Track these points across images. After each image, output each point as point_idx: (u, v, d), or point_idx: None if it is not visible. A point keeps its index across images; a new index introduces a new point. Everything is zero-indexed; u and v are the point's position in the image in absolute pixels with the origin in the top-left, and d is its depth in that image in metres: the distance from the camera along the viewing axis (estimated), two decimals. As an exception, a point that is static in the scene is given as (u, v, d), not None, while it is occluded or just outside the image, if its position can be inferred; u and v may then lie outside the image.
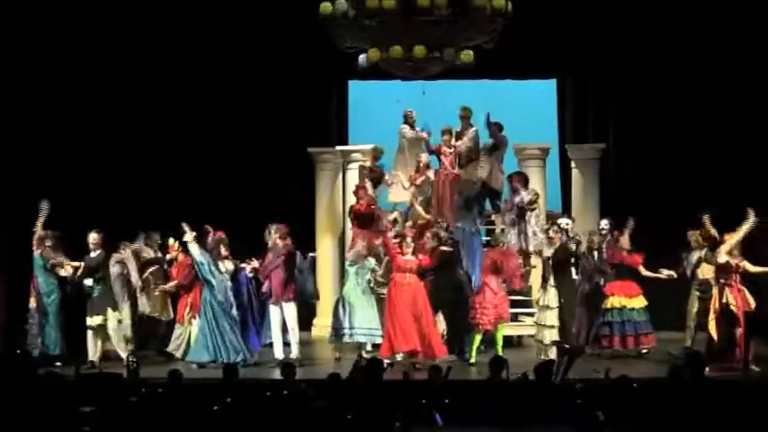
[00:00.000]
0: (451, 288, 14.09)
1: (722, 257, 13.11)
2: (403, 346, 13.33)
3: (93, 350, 13.80)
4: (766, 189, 16.26)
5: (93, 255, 13.97)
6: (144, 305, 14.55)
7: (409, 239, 13.78)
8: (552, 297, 13.95)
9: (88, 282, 13.86)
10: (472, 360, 13.71)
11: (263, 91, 16.88)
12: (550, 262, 14.00)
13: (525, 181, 15.57)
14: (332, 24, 13.08)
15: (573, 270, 14.18)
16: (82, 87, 16.49)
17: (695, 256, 14.13)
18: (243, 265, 13.96)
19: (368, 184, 15.66)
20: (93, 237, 13.96)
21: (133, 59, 16.55)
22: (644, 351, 14.34)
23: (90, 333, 13.83)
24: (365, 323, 13.96)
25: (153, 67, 16.62)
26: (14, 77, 16.08)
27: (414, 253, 13.70)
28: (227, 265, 13.77)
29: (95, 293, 13.90)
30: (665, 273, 14.27)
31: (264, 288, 14.04)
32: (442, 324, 14.30)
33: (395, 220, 14.91)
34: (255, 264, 13.92)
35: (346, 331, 14.06)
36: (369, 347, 14.11)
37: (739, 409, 9.39)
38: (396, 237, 14.17)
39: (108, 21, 16.35)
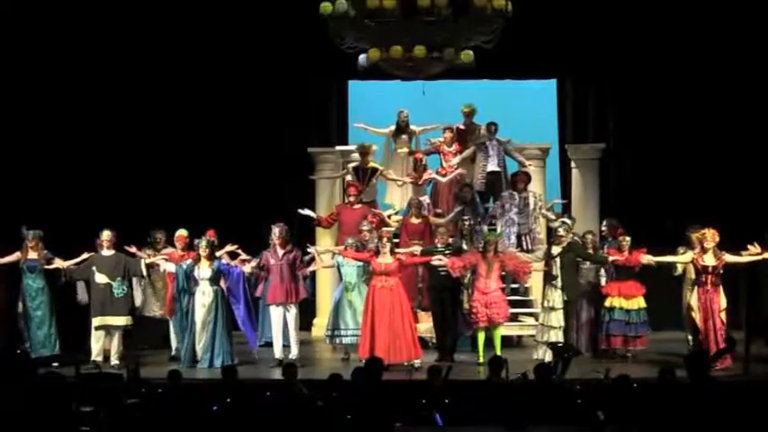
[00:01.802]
0: (449, 289, 14.14)
1: (707, 259, 13.26)
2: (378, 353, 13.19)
3: (98, 350, 13.76)
4: (765, 187, 16.34)
5: (106, 253, 13.85)
6: (156, 309, 14.60)
7: (385, 240, 13.74)
8: (557, 298, 13.92)
9: (102, 279, 13.76)
10: (480, 360, 13.72)
11: (263, 91, 16.88)
12: (558, 261, 13.97)
13: (527, 181, 15.61)
14: (332, 24, 13.08)
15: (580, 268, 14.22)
16: (81, 87, 16.47)
17: (690, 255, 14.11)
18: (235, 264, 13.92)
19: (350, 177, 15.76)
20: (107, 234, 13.83)
21: (134, 60, 16.54)
22: (633, 353, 14.29)
23: (100, 333, 13.74)
24: (359, 324, 13.93)
25: (153, 68, 16.60)
26: (13, 77, 16.09)
27: (392, 253, 13.66)
28: (203, 271, 13.71)
29: (120, 294, 13.82)
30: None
31: (260, 290, 14.04)
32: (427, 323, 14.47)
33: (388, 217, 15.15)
34: (248, 268, 13.88)
35: (341, 332, 14.07)
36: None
37: (739, 409, 9.39)
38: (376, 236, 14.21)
39: (108, 20, 16.34)
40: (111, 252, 13.87)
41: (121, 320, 13.80)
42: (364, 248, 14.08)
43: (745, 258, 13.41)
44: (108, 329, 13.76)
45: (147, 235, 14.74)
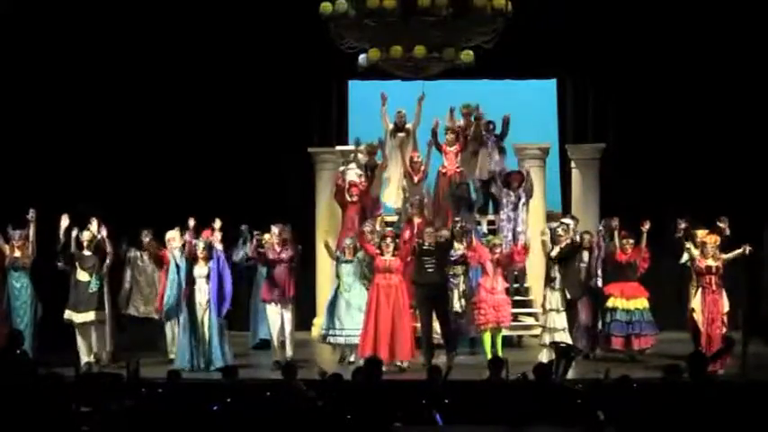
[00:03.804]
0: (438, 286, 14.07)
1: (704, 261, 13.29)
2: (380, 351, 13.19)
3: (86, 350, 13.79)
4: (765, 187, 16.34)
5: (87, 253, 13.87)
6: (135, 306, 14.59)
7: (389, 240, 13.75)
8: (558, 299, 13.89)
9: (84, 277, 13.80)
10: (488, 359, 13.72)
11: (263, 91, 16.88)
12: (556, 261, 13.94)
13: (521, 180, 15.62)
14: (332, 24, 13.08)
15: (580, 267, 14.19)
16: (81, 88, 16.48)
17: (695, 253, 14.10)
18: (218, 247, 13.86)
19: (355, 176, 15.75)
20: (87, 235, 13.86)
21: (133, 60, 16.55)
22: (639, 354, 14.26)
23: (83, 331, 13.80)
24: (355, 325, 13.93)
25: (153, 68, 16.61)
26: (9, 75, 16.09)
27: (394, 252, 13.65)
28: (200, 270, 13.71)
29: (93, 289, 13.86)
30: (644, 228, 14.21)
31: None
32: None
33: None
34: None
35: (337, 332, 14.06)
36: (352, 358, 14.01)
37: (739, 409, 9.39)
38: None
39: (108, 20, 16.34)
40: (91, 252, 13.93)
41: (90, 316, 13.81)
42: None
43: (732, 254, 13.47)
44: (85, 326, 13.79)
45: (137, 234, 14.75)
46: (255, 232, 14.32)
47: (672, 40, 16.58)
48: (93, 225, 13.96)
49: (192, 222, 13.99)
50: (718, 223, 14.15)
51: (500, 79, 17.32)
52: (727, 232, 14.15)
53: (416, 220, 15.02)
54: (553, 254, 13.96)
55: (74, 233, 13.84)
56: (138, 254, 14.70)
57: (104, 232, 13.94)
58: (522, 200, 15.49)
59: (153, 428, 9.38)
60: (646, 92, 16.88)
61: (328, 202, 16.49)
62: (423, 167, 15.70)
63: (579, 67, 17.07)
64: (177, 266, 13.90)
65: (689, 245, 13.98)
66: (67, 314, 13.81)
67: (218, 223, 14.04)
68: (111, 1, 16.34)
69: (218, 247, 13.77)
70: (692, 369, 9.99)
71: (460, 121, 16.40)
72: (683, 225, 14.20)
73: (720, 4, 16.35)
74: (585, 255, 14.35)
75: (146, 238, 14.68)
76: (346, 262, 14.08)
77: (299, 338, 14.54)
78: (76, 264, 13.84)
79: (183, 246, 13.89)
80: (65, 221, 13.88)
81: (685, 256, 14.19)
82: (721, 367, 12.83)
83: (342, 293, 14.06)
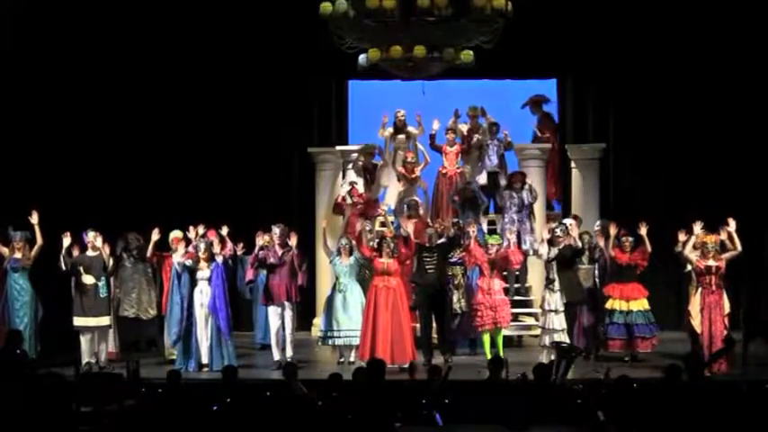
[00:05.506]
0: (438, 288, 14.06)
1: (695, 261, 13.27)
2: (380, 354, 13.18)
3: (91, 351, 13.79)
4: (765, 188, 16.34)
5: (91, 254, 13.89)
6: (127, 307, 14.57)
7: (389, 239, 13.75)
8: (557, 300, 13.88)
9: (89, 280, 13.82)
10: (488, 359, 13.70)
11: (263, 91, 16.89)
12: (555, 264, 13.93)
13: (523, 180, 15.63)
14: (332, 24, 13.09)
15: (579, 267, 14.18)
16: (83, 91, 16.47)
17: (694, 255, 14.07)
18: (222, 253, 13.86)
19: (359, 181, 15.77)
20: (92, 235, 13.90)
21: (133, 60, 16.55)
22: (640, 355, 14.23)
23: (89, 335, 13.80)
24: (354, 325, 13.91)
25: (153, 68, 16.61)
26: (11, 80, 16.10)
27: (393, 254, 13.63)
28: (202, 271, 13.71)
29: (104, 294, 13.87)
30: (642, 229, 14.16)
31: (250, 273, 14.12)
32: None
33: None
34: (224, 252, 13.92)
35: (335, 333, 14.05)
36: (352, 357, 13.99)
37: (739, 409, 9.39)
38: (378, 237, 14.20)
39: (108, 20, 16.35)
40: (97, 252, 13.91)
41: (104, 320, 13.85)
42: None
43: (737, 245, 13.37)
44: (93, 330, 13.79)
45: (123, 238, 14.72)
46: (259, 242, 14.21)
47: (672, 40, 16.58)
48: (99, 240, 13.95)
49: (193, 234, 13.98)
50: (721, 230, 13.96)
51: (500, 79, 17.32)
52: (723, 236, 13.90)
53: (414, 221, 15.05)
54: (550, 255, 13.94)
55: (75, 252, 13.85)
56: (125, 256, 14.69)
57: (107, 249, 13.99)
58: (526, 202, 15.49)
59: (153, 428, 9.39)
60: (646, 92, 16.87)
61: (328, 202, 16.50)
62: (416, 168, 15.73)
63: (579, 68, 17.07)
64: (178, 277, 13.86)
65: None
66: (81, 321, 13.75)
67: (225, 230, 14.03)
68: (111, 4, 16.34)
69: (219, 259, 13.72)
70: (689, 370, 10.01)
71: (463, 126, 16.41)
72: (683, 238, 14.01)
73: (721, 4, 16.35)
74: (585, 257, 14.34)
75: (134, 241, 14.64)
76: (342, 262, 14.06)
77: (299, 338, 14.53)
78: (80, 269, 13.82)
79: (183, 260, 13.83)
80: (66, 240, 13.84)
81: (689, 265, 14.12)
82: (721, 368, 12.82)
83: (338, 293, 14.05)
